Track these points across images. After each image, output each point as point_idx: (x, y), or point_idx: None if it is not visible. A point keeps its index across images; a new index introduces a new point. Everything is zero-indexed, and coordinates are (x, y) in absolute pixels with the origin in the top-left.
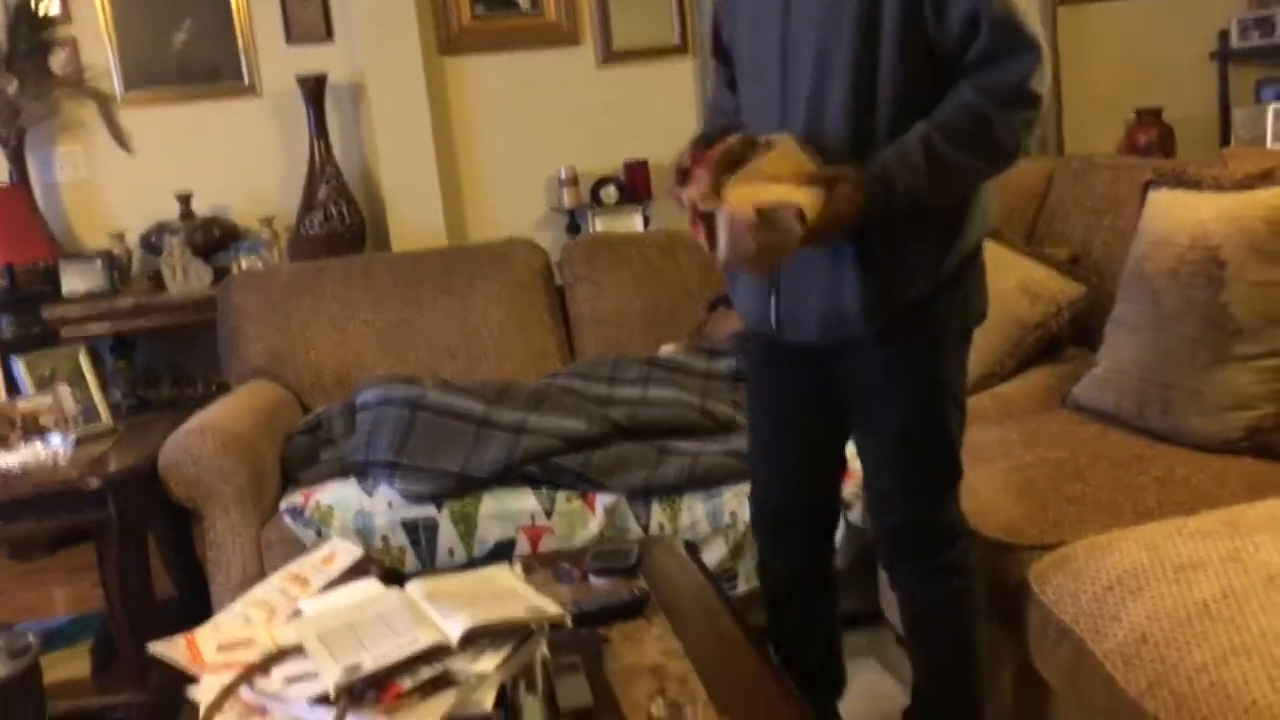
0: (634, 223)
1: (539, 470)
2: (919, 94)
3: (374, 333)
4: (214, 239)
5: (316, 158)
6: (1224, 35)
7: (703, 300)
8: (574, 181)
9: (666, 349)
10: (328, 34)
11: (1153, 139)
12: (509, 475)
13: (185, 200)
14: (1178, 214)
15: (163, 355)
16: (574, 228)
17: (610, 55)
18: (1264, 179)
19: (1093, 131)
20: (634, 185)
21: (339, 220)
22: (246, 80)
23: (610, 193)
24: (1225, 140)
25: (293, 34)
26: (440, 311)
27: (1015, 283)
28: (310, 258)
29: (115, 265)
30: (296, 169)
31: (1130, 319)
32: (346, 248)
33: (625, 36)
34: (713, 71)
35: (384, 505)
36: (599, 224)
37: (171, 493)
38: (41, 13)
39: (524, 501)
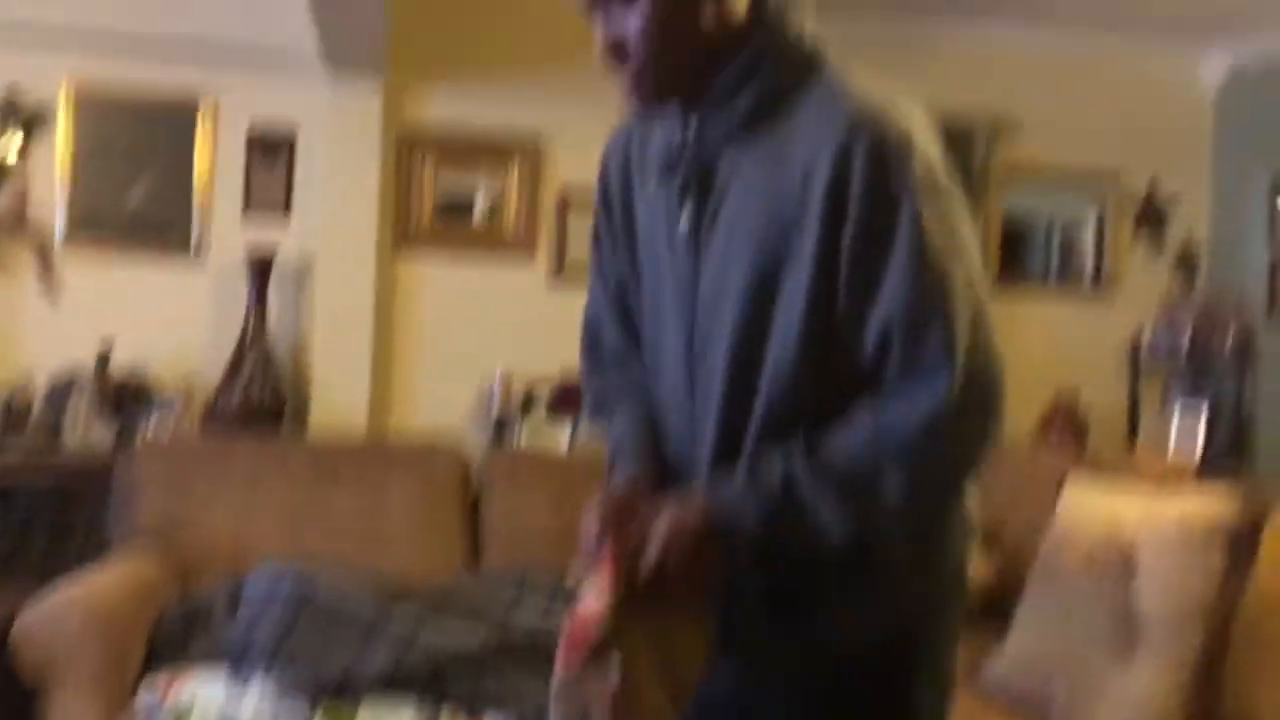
0: (561, 439)
1: (426, 682)
2: (812, 392)
3: (276, 515)
4: (125, 397)
5: (250, 330)
6: (1136, 342)
7: None
8: (507, 389)
9: (574, 579)
10: (286, 208)
11: (1066, 424)
12: (393, 682)
13: (104, 353)
14: (1092, 509)
15: (44, 509)
16: (499, 436)
17: (562, 273)
18: (1178, 482)
19: (1010, 411)
20: (566, 400)
21: (259, 396)
22: (194, 244)
23: (542, 406)
24: (1134, 433)
25: (251, 204)
26: (349, 503)
27: None
28: (223, 430)
29: (11, 413)
30: (226, 338)
31: (1040, 607)
32: (261, 425)
33: (581, 256)
34: (599, 305)
35: (251, 707)
36: (526, 435)
37: (18, 666)
38: None
39: (403, 715)
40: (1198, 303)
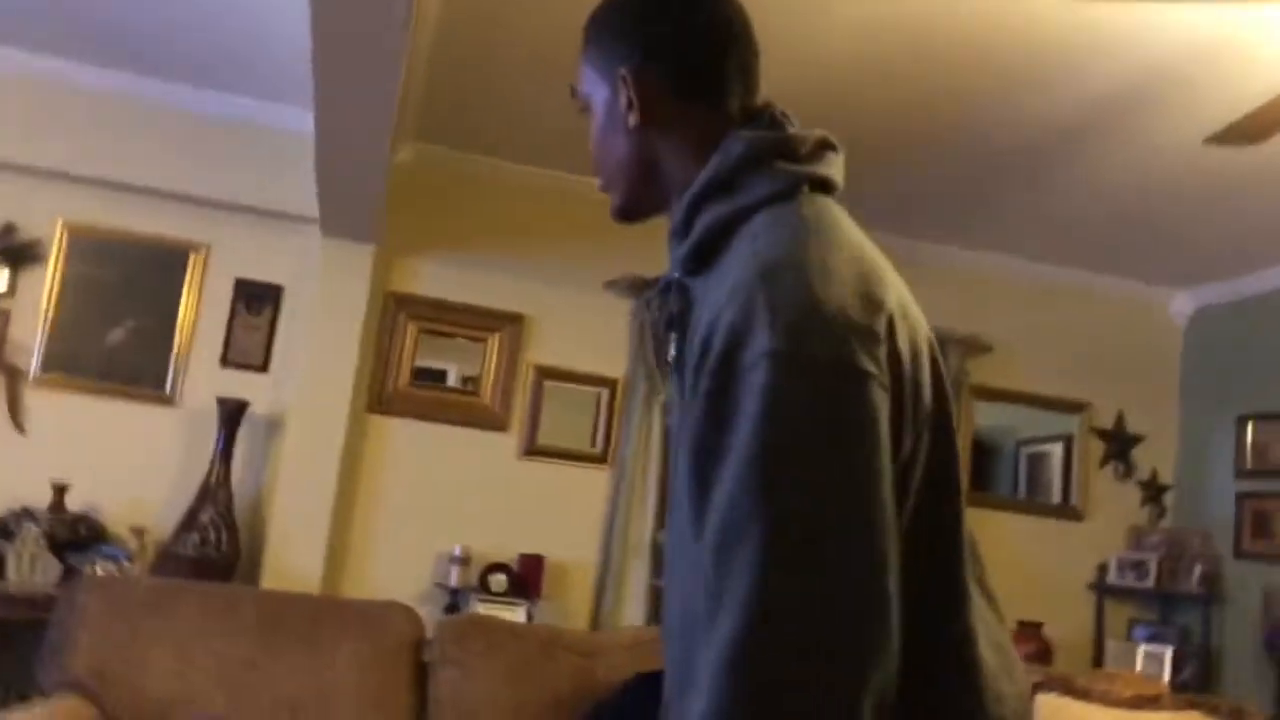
0: (518, 616)
1: None
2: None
3: (219, 668)
4: (77, 536)
5: (213, 479)
6: (1102, 569)
7: (574, 710)
8: (466, 561)
9: None
10: (264, 363)
11: (1032, 650)
12: None
13: (60, 490)
14: None
15: None
16: (453, 608)
17: (533, 449)
18: (1152, 703)
19: None
20: (525, 578)
21: (214, 546)
22: (168, 390)
23: (500, 580)
24: (1099, 659)
25: (229, 357)
26: (296, 661)
27: None
28: (173, 577)
29: None
30: (188, 486)
31: None
32: (213, 576)
33: (551, 435)
34: None
35: None
36: (481, 610)
37: None
38: None
39: None
40: (1165, 534)
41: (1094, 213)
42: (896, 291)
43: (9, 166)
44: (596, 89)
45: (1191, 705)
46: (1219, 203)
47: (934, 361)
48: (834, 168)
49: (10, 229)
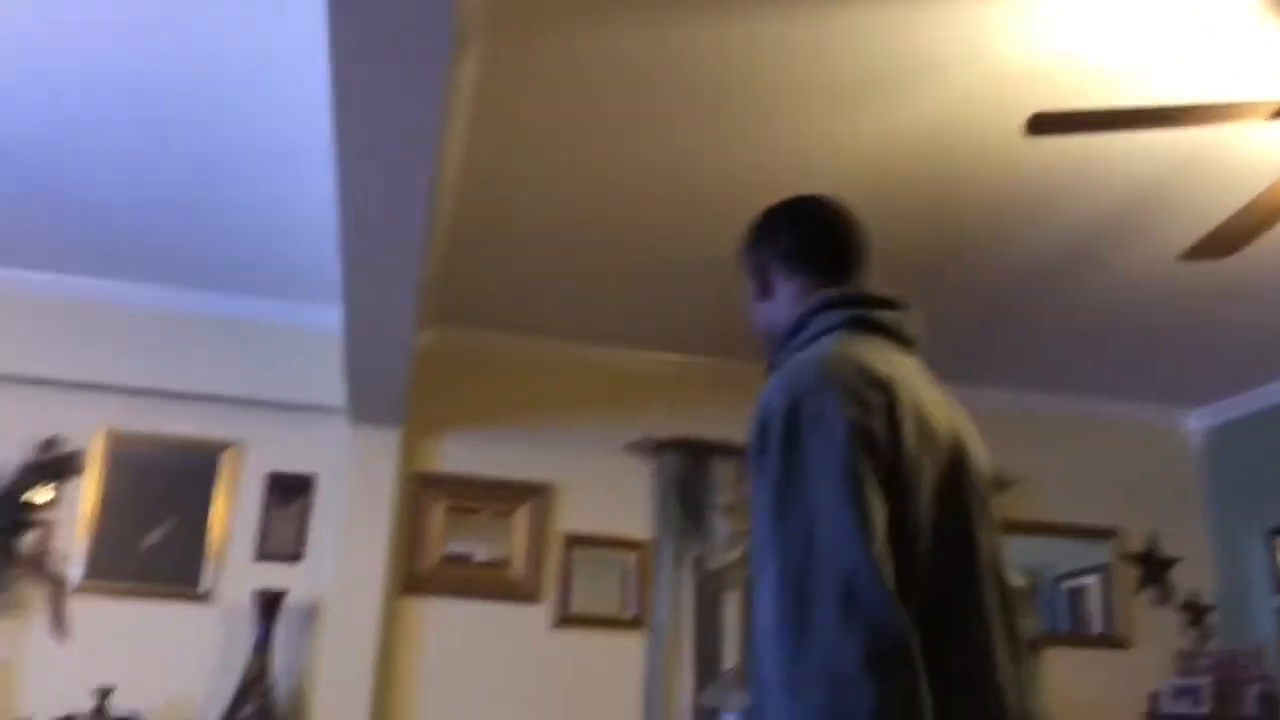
0: None
1: None
2: None
3: None
4: None
5: (253, 673)
6: (1155, 698)
7: None
8: None
9: None
10: (298, 555)
11: None
12: None
13: (103, 695)
14: None
15: None
16: None
17: (567, 618)
18: None
19: None
20: None
21: None
22: (204, 586)
23: None
24: None
25: (263, 550)
26: None
27: None
28: None
29: None
30: (227, 682)
31: None
32: None
33: (584, 603)
34: None
35: None
36: None
37: None
38: (28, 497)
39: None
40: (1214, 656)
41: (1092, 340)
42: (909, 392)
43: (48, 382)
44: (748, 278)
45: None
46: (1210, 319)
47: (952, 443)
48: (886, 317)
49: (52, 443)
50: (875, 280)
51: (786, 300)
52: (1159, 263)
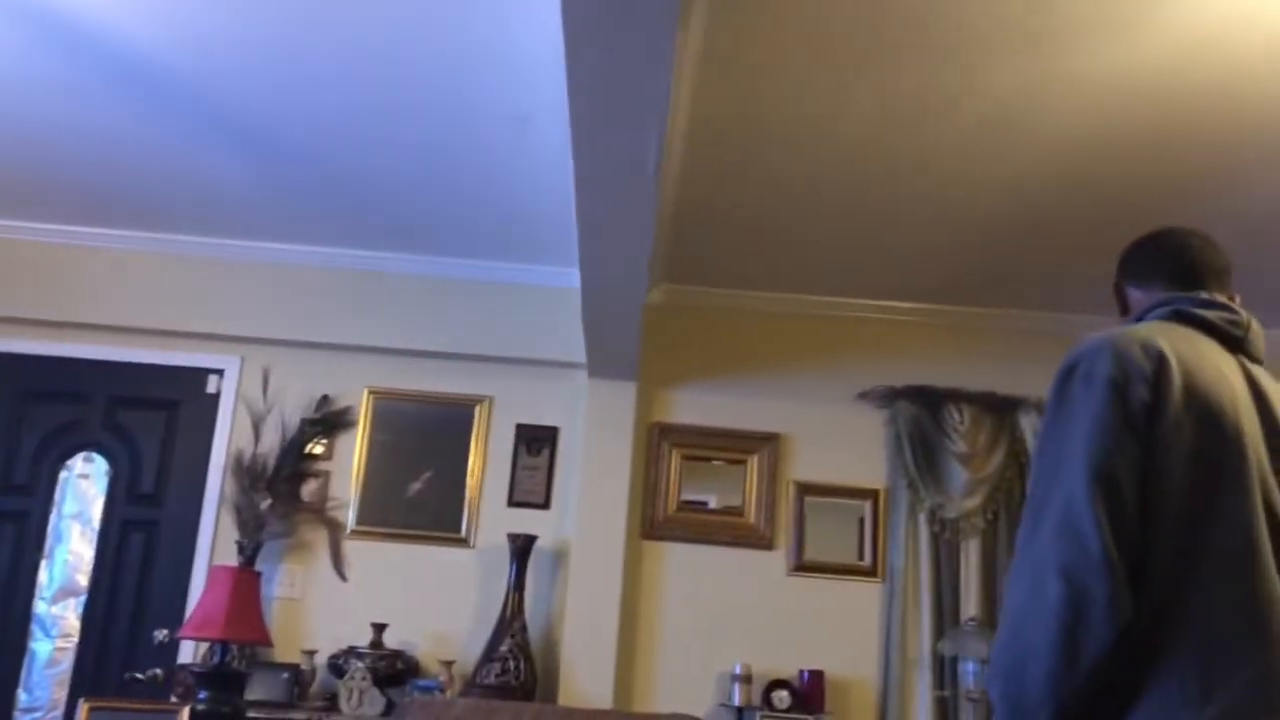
0: None
1: None
2: None
3: None
4: (395, 672)
5: (509, 611)
6: None
7: None
8: (748, 679)
9: None
10: (546, 503)
11: None
12: None
13: (379, 630)
14: None
15: None
16: None
17: (801, 565)
18: None
19: None
20: (808, 694)
21: (514, 675)
22: (463, 531)
23: (783, 697)
24: None
25: (514, 498)
26: None
27: None
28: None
29: (299, 680)
30: (486, 620)
31: None
32: (515, 699)
33: (818, 550)
34: None
35: None
36: None
37: None
38: (309, 449)
39: None
40: None
41: None
42: (1185, 364)
43: (321, 345)
44: (1116, 300)
45: None
46: None
47: (1236, 417)
48: (1209, 315)
49: (326, 400)
50: (1224, 293)
51: (1136, 309)
52: None
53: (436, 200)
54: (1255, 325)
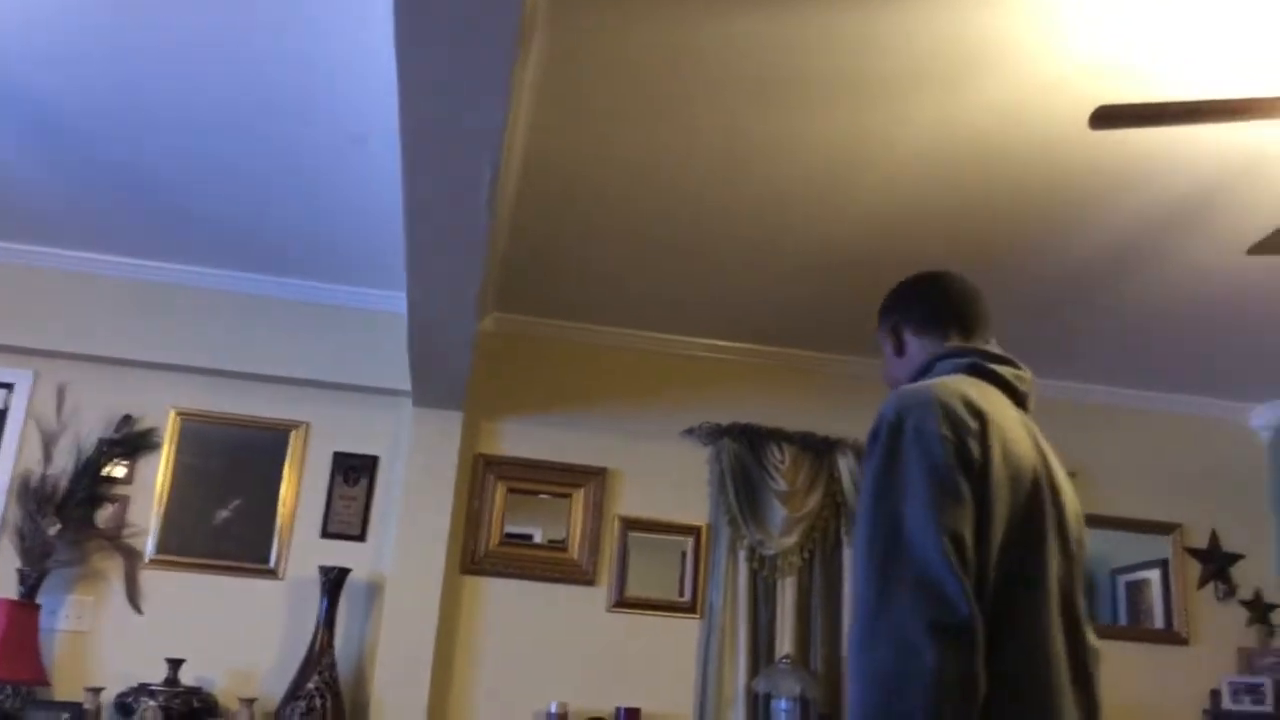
0: None
1: None
2: None
3: None
4: (190, 710)
5: (317, 646)
6: (1215, 694)
7: None
8: (563, 718)
9: None
10: (362, 535)
11: None
12: None
13: (175, 665)
14: None
15: None
16: None
17: (622, 601)
18: None
19: None
20: None
21: (320, 713)
22: (272, 562)
23: None
24: None
25: (329, 529)
26: None
27: None
28: None
29: (83, 717)
30: (293, 655)
31: None
32: None
33: (640, 586)
34: None
35: None
36: None
37: None
38: (107, 471)
39: None
40: (1278, 654)
41: (1160, 333)
42: (1002, 430)
43: (125, 362)
44: (884, 339)
45: None
46: (1278, 313)
47: (1035, 479)
48: (1002, 371)
49: (128, 420)
50: (995, 343)
51: (917, 354)
52: (1226, 256)
53: (258, 216)
54: (1032, 379)
